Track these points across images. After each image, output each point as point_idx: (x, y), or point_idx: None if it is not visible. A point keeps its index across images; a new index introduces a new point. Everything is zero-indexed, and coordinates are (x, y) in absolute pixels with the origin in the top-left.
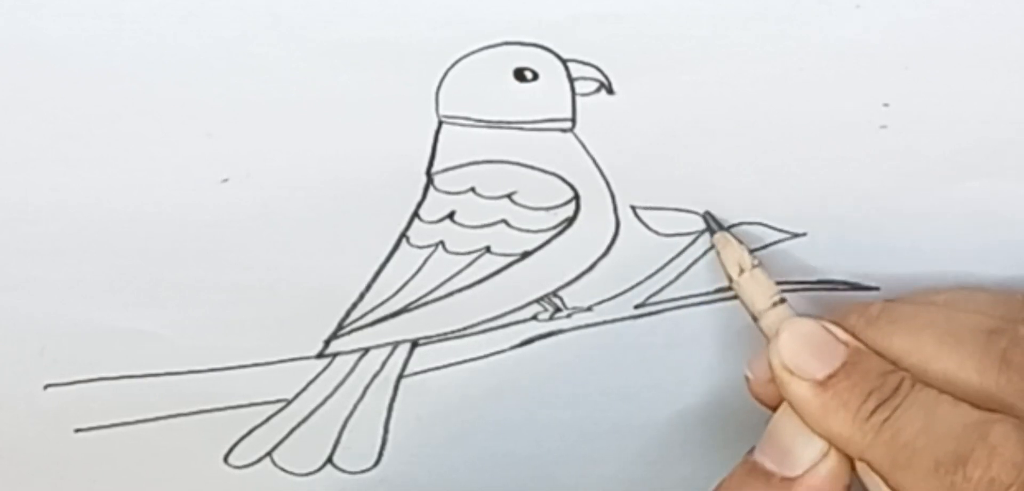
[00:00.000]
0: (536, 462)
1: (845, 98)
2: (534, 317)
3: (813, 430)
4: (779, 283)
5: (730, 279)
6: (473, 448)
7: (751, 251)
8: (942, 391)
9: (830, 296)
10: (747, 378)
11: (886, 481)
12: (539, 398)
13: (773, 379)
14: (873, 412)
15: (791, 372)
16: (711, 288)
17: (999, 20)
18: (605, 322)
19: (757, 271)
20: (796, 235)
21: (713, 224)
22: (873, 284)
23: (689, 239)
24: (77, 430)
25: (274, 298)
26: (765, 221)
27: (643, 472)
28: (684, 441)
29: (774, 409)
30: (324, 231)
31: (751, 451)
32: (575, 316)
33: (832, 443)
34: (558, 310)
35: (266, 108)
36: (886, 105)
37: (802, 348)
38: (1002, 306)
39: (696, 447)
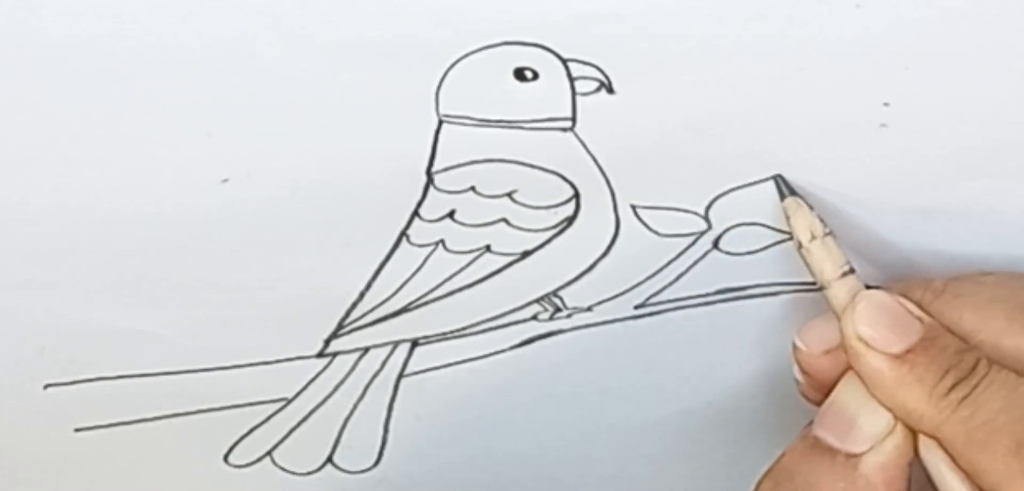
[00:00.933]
0: (536, 462)
1: (845, 98)
2: (534, 317)
3: (884, 404)
4: (780, 283)
5: (800, 245)
6: (473, 448)
7: (822, 220)
8: (1014, 367)
9: None
10: (796, 348)
11: (958, 460)
12: (539, 398)
13: (830, 351)
14: (951, 389)
15: (867, 344)
16: (711, 288)
17: (999, 20)
18: (605, 322)
19: (828, 240)
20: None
21: (785, 189)
22: (874, 284)
23: (689, 239)
24: (77, 430)
25: (274, 298)
26: (765, 221)
27: (643, 472)
28: (684, 441)
29: (819, 383)
30: (324, 231)
31: (809, 425)
32: (575, 316)
33: (903, 419)
34: (558, 310)
35: (266, 108)
36: (886, 105)
37: (879, 320)
38: None
39: (696, 447)
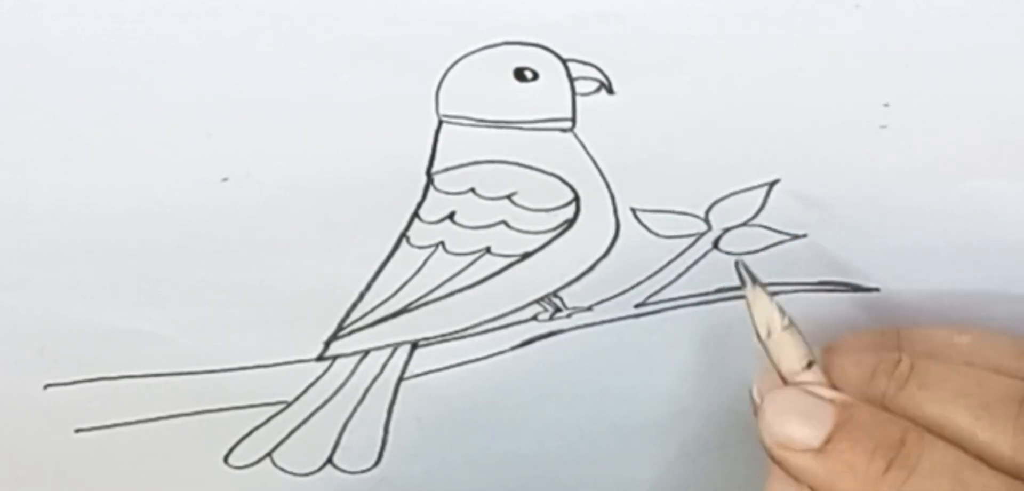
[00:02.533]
0: (536, 462)
1: (845, 98)
2: (534, 317)
3: None
4: (779, 283)
5: (759, 337)
6: (473, 448)
7: (782, 311)
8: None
9: (830, 296)
10: (752, 398)
11: None
12: (539, 398)
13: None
14: (887, 470)
15: (787, 448)
16: (711, 288)
17: (999, 20)
18: (605, 322)
19: (787, 333)
20: (796, 236)
21: (746, 276)
22: (873, 285)
23: (689, 240)
24: (77, 430)
25: (274, 298)
26: (765, 221)
27: (643, 472)
28: (684, 441)
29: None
30: (324, 231)
31: None
32: (575, 316)
33: None
34: (558, 310)
35: (266, 108)
36: (886, 105)
37: (789, 419)
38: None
39: (696, 447)
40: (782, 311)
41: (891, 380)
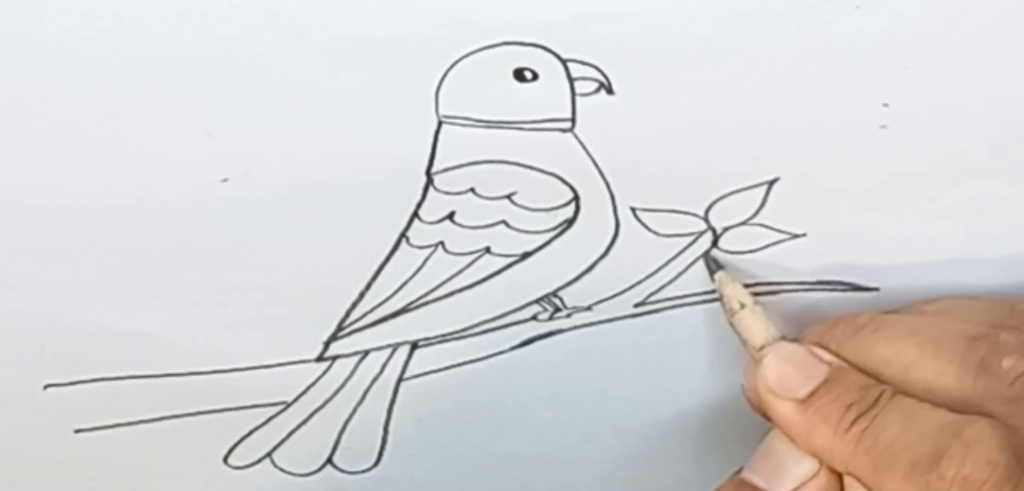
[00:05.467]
0: (536, 462)
1: (845, 98)
2: (534, 317)
3: (800, 448)
4: (779, 283)
5: (729, 315)
6: (473, 448)
7: (747, 286)
8: (922, 399)
9: (830, 296)
10: (743, 386)
11: (869, 490)
12: (539, 398)
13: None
14: (853, 423)
15: (775, 393)
16: (711, 288)
17: (999, 20)
18: (605, 321)
19: (757, 309)
20: (796, 235)
21: (713, 265)
22: (873, 284)
23: (689, 239)
24: (77, 430)
25: (274, 298)
26: (765, 221)
27: (643, 472)
28: (683, 440)
29: (767, 416)
30: (324, 231)
31: (739, 470)
32: (575, 316)
33: (819, 459)
34: (558, 310)
35: (266, 108)
36: (886, 105)
37: (785, 369)
38: (990, 313)
39: (695, 446)
40: (746, 292)
41: (847, 326)
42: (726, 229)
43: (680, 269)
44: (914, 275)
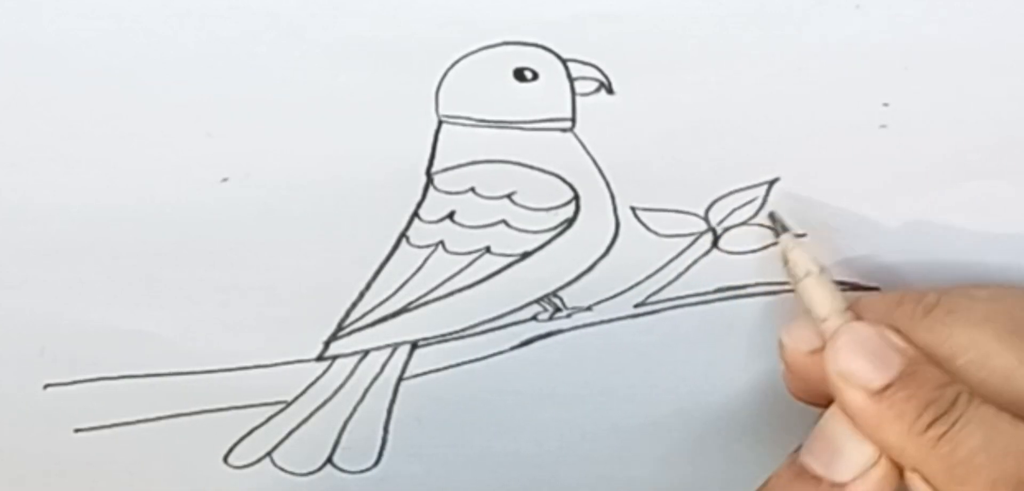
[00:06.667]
0: (536, 462)
1: (845, 98)
2: (534, 317)
3: (866, 438)
4: (779, 283)
5: (797, 280)
6: (473, 448)
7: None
8: (1001, 389)
9: None
10: (782, 344)
11: None
12: (539, 398)
13: (814, 352)
14: (930, 425)
15: (846, 379)
16: (711, 288)
17: (999, 20)
18: (605, 322)
19: (824, 276)
20: (796, 235)
21: (780, 226)
22: (873, 284)
23: (689, 240)
24: (77, 430)
25: (274, 298)
26: (765, 221)
27: (643, 472)
28: (684, 441)
29: (802, 380)
30: (324, 231)
31: (797, 451)
32: (575, 316)
33: (885, 452)
34: (558, 310)
35: (266, 108)
36: (886, 105)
37: (858, 355)
38: None
39: (696, 446)
40: (812, 259)
41: (918, 306)
42: (726, 229)
43: (680, 269)
44: (914, 275)
